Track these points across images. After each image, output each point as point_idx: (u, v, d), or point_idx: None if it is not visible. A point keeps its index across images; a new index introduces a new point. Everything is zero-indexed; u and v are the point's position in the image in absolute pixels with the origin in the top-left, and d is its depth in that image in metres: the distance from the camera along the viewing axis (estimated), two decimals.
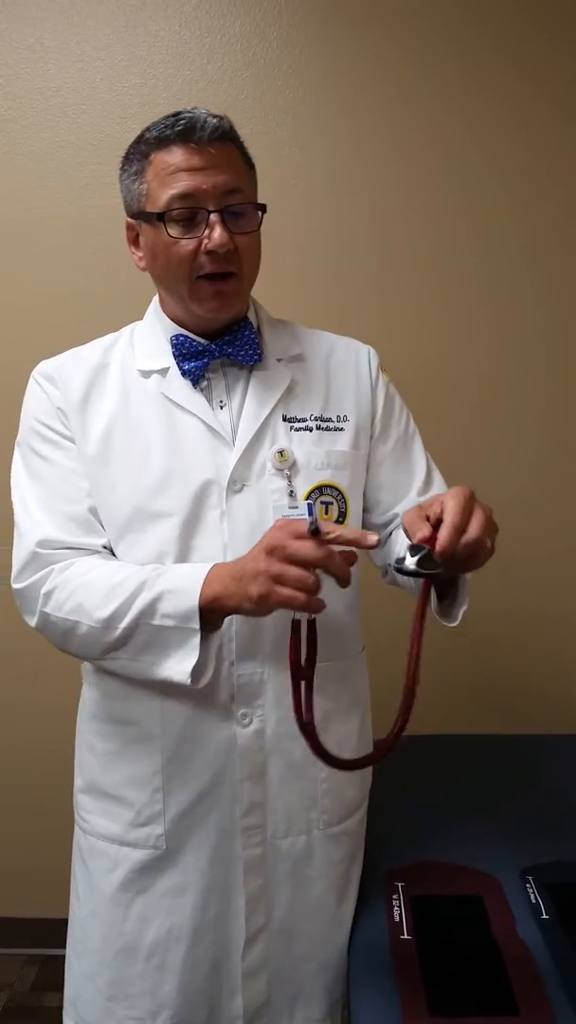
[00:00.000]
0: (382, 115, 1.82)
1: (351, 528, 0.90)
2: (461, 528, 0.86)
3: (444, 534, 0.85)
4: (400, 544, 1.10)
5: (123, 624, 0.98)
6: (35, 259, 1.86)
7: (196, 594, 0.95)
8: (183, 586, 0.97)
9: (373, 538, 0.87)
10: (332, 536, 0.88)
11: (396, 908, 1.20)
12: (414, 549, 0.85)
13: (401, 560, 0.86)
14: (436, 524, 0.87)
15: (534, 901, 1.21)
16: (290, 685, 0.92)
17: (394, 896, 1.22)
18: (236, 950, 1.11)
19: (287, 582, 0.87)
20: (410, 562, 0.85)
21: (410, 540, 0.88)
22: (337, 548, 0.89)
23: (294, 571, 0.87)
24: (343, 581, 0.89)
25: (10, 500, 1.12)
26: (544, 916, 1.18)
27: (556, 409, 1.91)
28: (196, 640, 0.96)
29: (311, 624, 0.94)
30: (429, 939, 1.13)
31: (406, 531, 0.90)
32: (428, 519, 0.88)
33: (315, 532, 0.87)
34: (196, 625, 0.95)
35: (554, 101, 1.82)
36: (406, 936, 1.13)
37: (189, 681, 0.97)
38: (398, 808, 1.30)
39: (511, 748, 1.75)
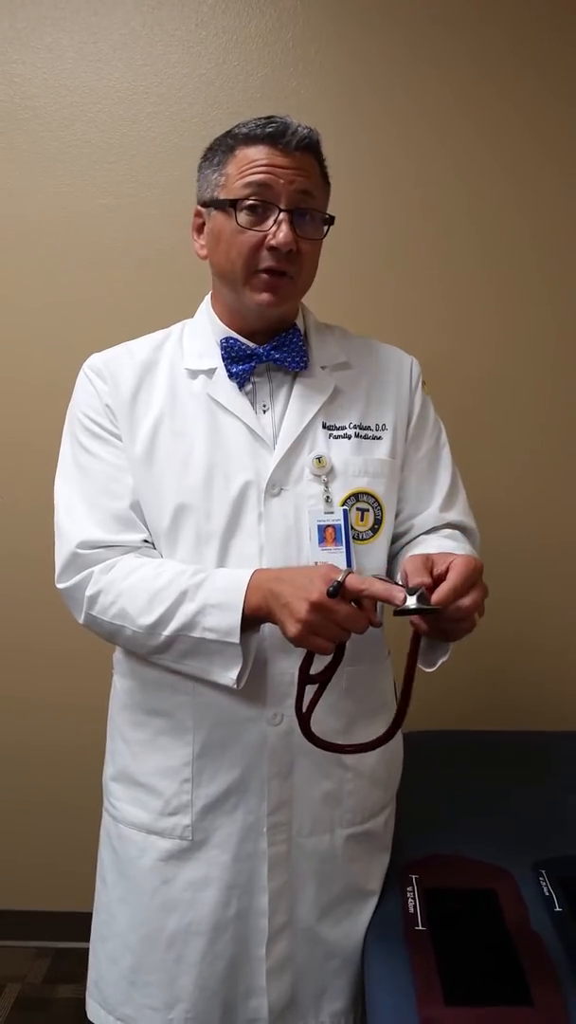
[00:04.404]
0: (395, 116, 1.83)
1: (381, 583, 0.90)
2: (461, 592, 0.87)
3: (444, 589, 0.87)
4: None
5: (166, 633, 1.01)
6: (50, 257, 1.87)
7: (238, 610, 0.98)
8: (225, 600, 0.98)
9: (400, 595, 0.87)
10: (363, 592, 0.90)
11: (411, 900, 1.21)
12: (412, 590, 0.87)
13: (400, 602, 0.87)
14: (436, 581, 0.89)
15: (547, 894, 1.22)
16: (314, 685, 0.95)
17: (408, 888, 1.23)
18: (256, 950, 1.11)
19: (321, 635, 0.91)
20: (411, 601, 0.86)
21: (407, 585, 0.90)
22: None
23: (332, 630, 0.90)
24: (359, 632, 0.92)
25: (50, 495, 1.13)
26: (557, 909, 1.19)
27: (561, 403, 1.91)
28: (239, 651, 0.99)
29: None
30: (443, 931, 1.14)
31: (406, 575, 0.91)
32: (431, 573, 0.90)
33: (333, 594, 0.89)
34: (237, 640, 0.98)
35: (569, 102, 1.82)
36: (421, 927, 1.15)
37: (235, 686, 1.00)
38: (413, 801, 1.31)
39: (525, 743, 1.76)
